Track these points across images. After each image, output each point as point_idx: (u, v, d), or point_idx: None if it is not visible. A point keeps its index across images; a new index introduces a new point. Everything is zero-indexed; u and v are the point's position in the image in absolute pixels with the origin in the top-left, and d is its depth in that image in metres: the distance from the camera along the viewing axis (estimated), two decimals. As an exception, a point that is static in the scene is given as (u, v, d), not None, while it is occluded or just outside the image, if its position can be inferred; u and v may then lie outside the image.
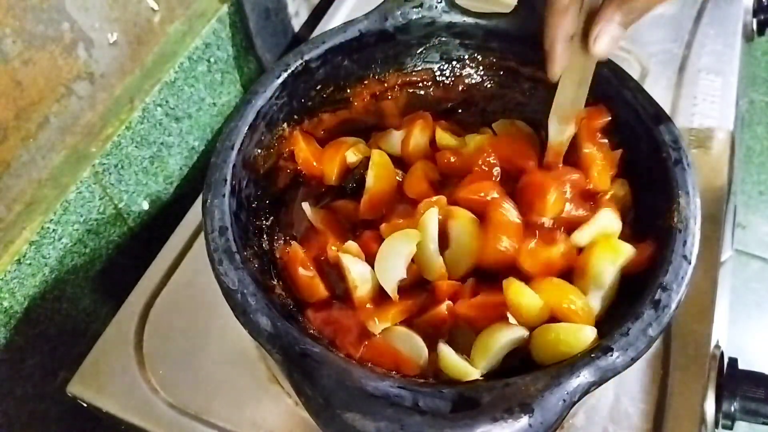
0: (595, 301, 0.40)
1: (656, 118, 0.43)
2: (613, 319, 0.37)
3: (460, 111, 0.54)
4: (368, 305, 0.41)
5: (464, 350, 0.39)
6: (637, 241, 0.41)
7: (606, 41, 0.38)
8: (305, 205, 0.47)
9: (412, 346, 0.39)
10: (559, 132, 0.45)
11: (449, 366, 0.38)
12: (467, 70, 0.52)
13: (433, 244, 0.42)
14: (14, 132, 0.46)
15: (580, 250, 0.42)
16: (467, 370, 0.37)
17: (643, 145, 0.44)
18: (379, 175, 0.47)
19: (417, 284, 0.43)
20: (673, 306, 0.35)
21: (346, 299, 0.42)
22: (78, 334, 0.57)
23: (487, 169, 0.46)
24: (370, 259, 0.43)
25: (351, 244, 0.43)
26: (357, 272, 0.41)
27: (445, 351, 0.38)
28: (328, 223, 0.47)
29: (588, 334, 0.36)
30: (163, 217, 0.64)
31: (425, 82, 0.53)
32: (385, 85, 0.52)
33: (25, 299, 0.50)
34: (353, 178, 0.49)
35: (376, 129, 0.53)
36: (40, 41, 0.46)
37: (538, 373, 0.33)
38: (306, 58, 0.46)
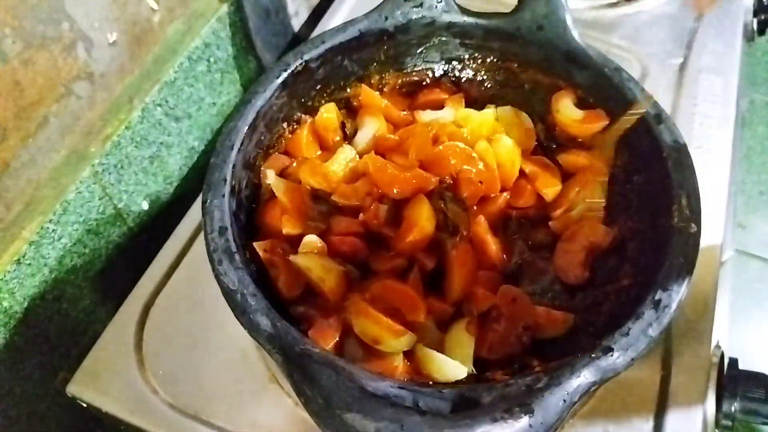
0: None
1: (656, 118, 0.43)
2: (614, 319, 0.37)
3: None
4: (342, 293, 0.41)
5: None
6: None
7: None
8: (269, 172, 0.46)
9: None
10: None
11: (437, 367, 0.38)
12: (467, 70, 0.52)
13: None
14: (14, 132, 0.46)
15: None
16: (457, 369, 0.37)
17: (643, 145, 0.44)
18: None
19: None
20: (674, 306, 0.35)
21: (318, 295, 0.42)
22: (78, 334, 0.57)
23: None
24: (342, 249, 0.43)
25: (310, 238, 0.43)
26: (317, 267, 0.41)
27: (431, 353, 0.38)
28: (292, 198, 0.45)
29: None
30: (163, 217, 0.64)
31: (425, 82, 0.53)
32: (385, 85, 0.52)
33: (24, 299, 0.50)
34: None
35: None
36: (39, 41, 0.46)
37: (538, 374, 0.33)
38: (306, 57, 0.46)
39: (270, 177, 0.46)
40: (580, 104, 0.49)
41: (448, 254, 0.43)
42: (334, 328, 0.39)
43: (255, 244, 0.42)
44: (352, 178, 0.47)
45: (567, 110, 0.48)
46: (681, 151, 0.41)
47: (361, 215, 0.45)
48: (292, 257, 0.41)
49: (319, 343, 0.38)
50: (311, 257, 0.41)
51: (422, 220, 0.43)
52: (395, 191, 0.45)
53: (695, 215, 0.39)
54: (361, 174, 0.47)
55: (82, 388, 0.50)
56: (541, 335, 0.41)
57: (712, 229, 0.57)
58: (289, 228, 0.44)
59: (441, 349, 0.40)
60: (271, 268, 0.41)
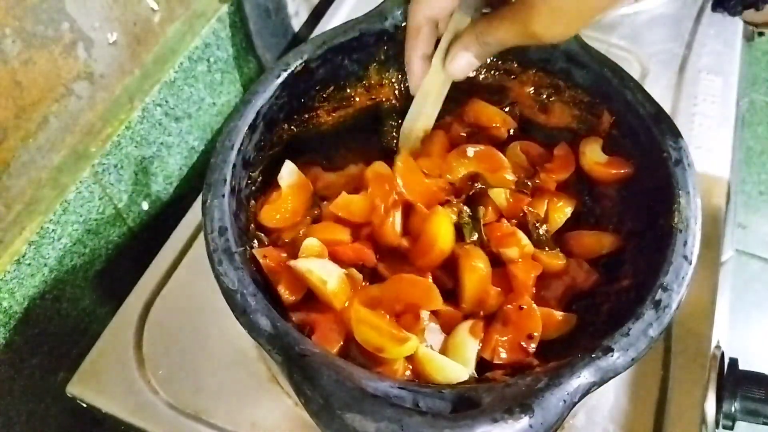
0: None
1: (656, 118, 0.43)
2: (614, 319, 0.37)
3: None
4: (346, 297, 0.40)
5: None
6: None
7: (460, 65, 0.41)
8: (288, 163, 0.46)
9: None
10: (406, 144, 0.47)
11: (438, 368, 0.38)
12: (467, 70, 0.52)
13: None
14: (14, 132, 0.46)
15: None
16: (459, 371, 0.37)
17: (643, 145, 0.44)
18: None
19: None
20: (674, 306, 0.35)
21: (320, 299, 0.41)
22: (77, 334, 0.57)
23: None
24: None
25: (310, 241, 0.42)
26: (318, 270, 0.40)
27: (431, 354, 0.38)
28: (296, 193, 0.46)
29: None
30: (163, 217, 0.64)
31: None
32: (385, 85, 0.52)
33: (24, 299, 0.50)
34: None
35: (376, 128, 0.53)
36: (39, 41, 0.46)
37: (538, 374, 0.33)
38: (306, 58, 0.46)
39: (286, 167, 0.46)
40: (577, 105, 0.49)
41: (461, 261, 0.43)
42: (338, 333, 0.39)
43: (254, 251, 0.42)
44: (351, 186, 0.46)
45: (593, 154, 0.48)
46: (681, 150, 0.41)
47: (373, 224, 0.43)
48: (291, 263, 0.40)
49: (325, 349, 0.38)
50: (311, 261, 0.41)
51: (441, 237, 0.42)
52: (415, 197, 0.44)
53: (695, 215, 0.39)
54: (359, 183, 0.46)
55: (82, 388, 0.50)
56: (545, 337, 0.41)
57: (712, 229, 0.57)
58: (269, 220, 0.44)
59: (443, 349, 0.40)
60: (272, 274, 0.41)
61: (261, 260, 0.41)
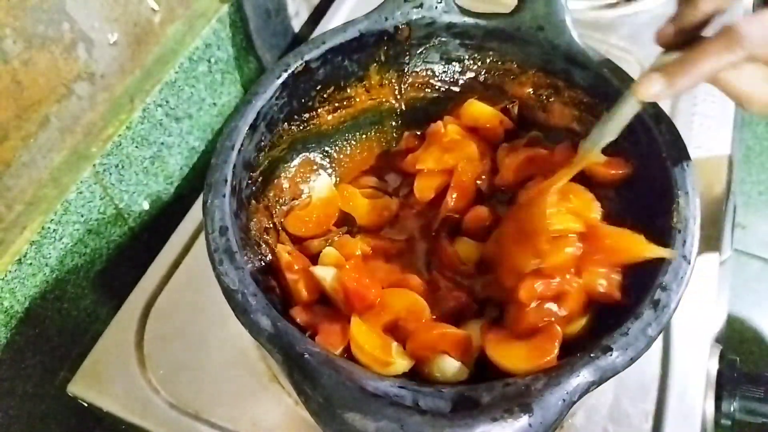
0: None
1: (656, 118, 0.43)
2: (613, 318, 0.37)
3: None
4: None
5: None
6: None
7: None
8: (324, 176, 0.49)
9: (394, 350, 0.40)
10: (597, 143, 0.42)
11: (438, 367, 0.38)
12: (467, 71, 0.53)
13: None
14: (15, 132, 0.46)
15: None
16: (459, 370, 0.38)
17: (642, 145, 0.44)
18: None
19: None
20: (673, 306, 0.36)
21: (333, 303, 0.42)
22: (78, 334, 0.57)
23: None
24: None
25: (329, 250, 0.44)
26: (334, 280, 0.41)
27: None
28: (324, 208, 0.48)
29: None
30: (164, 217, 0.64)
31: (425, 83, 0.53)
32: (385, 85, 0.52)
33: (25, 299, 0.50)
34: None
35: (375, 129, 0.53)
36: (40, 41, 0.46)
37: (538, 373, 0.33)
38: (306, 58, 0.46)
39: (321, 180, 0.49)
40: (576, 105, 0.49)
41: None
42: (341, 335, 0.39)
43: (279, 247, 0.44)
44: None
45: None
46: (680, 150, 0.42)
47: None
48: (312, 268, 0.42)
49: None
50: (328, 269, 0.42)
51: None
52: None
53: (694, 215, 0.39)
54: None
55: (83, 387, 0.50)
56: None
57: (712, 229, 0.57)
58: (293, 227, 0.46)
59: None
60: (289, 272, 0.42)
61: (284, 256, 0.42)
